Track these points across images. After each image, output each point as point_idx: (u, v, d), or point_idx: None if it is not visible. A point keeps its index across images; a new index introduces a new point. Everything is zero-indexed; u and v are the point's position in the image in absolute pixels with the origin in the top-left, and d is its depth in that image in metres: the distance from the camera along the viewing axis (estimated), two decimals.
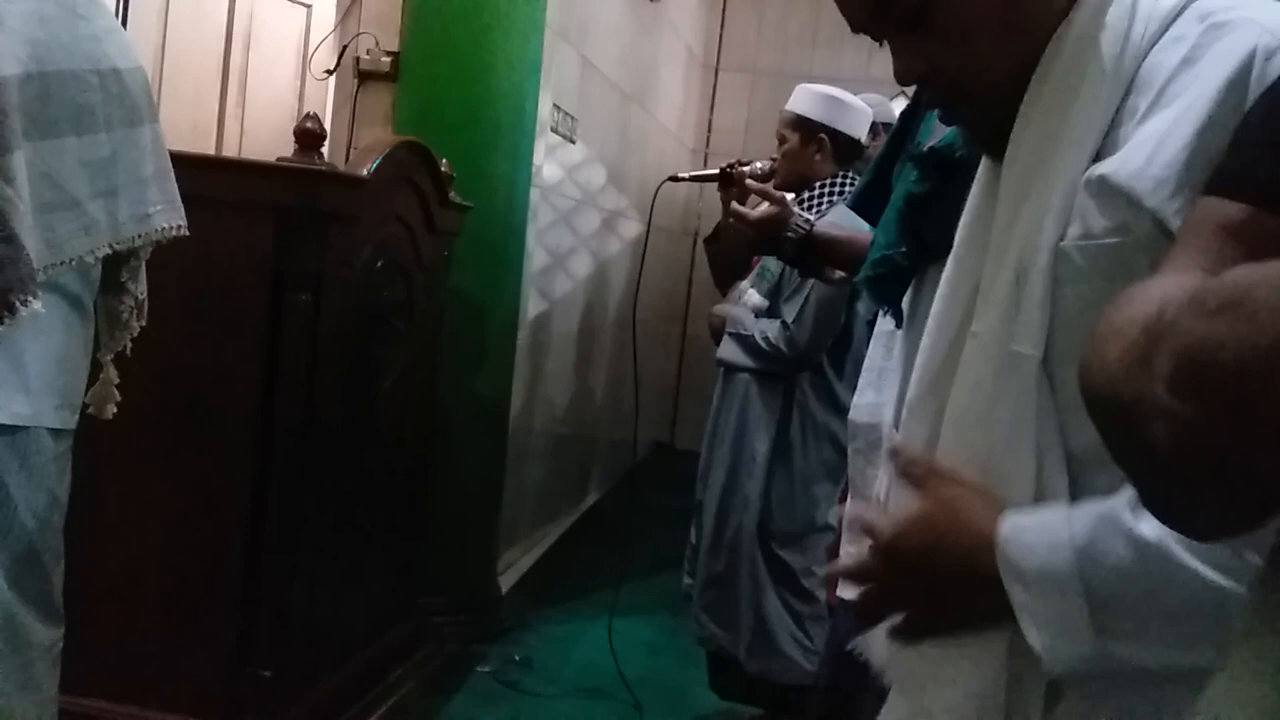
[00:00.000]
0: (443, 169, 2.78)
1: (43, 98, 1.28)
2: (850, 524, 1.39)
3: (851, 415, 1.83)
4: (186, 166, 1.56)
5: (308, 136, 2.26)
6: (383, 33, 3.43)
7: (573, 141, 4.22)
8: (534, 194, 3.62)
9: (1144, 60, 0.84)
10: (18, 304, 1.22)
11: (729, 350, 2.96)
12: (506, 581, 3.76)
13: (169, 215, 1.49)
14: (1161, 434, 0.52)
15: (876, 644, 0.96)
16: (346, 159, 3.21)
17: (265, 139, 3.44)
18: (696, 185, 3.69)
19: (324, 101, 3.57)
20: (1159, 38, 0.84)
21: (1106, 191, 0.81)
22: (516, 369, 3.68)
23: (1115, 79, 0.84)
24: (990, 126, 0.92)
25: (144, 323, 1.55)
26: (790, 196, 2.18)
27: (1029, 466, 0.84)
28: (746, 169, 2.49)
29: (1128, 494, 0.75)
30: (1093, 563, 0.76)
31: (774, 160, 2.73)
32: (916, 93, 1.35)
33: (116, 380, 1.58)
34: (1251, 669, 0.57)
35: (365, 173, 2.37)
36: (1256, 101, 0.74)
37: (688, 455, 4.17)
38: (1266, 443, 0.48)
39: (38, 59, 1.27)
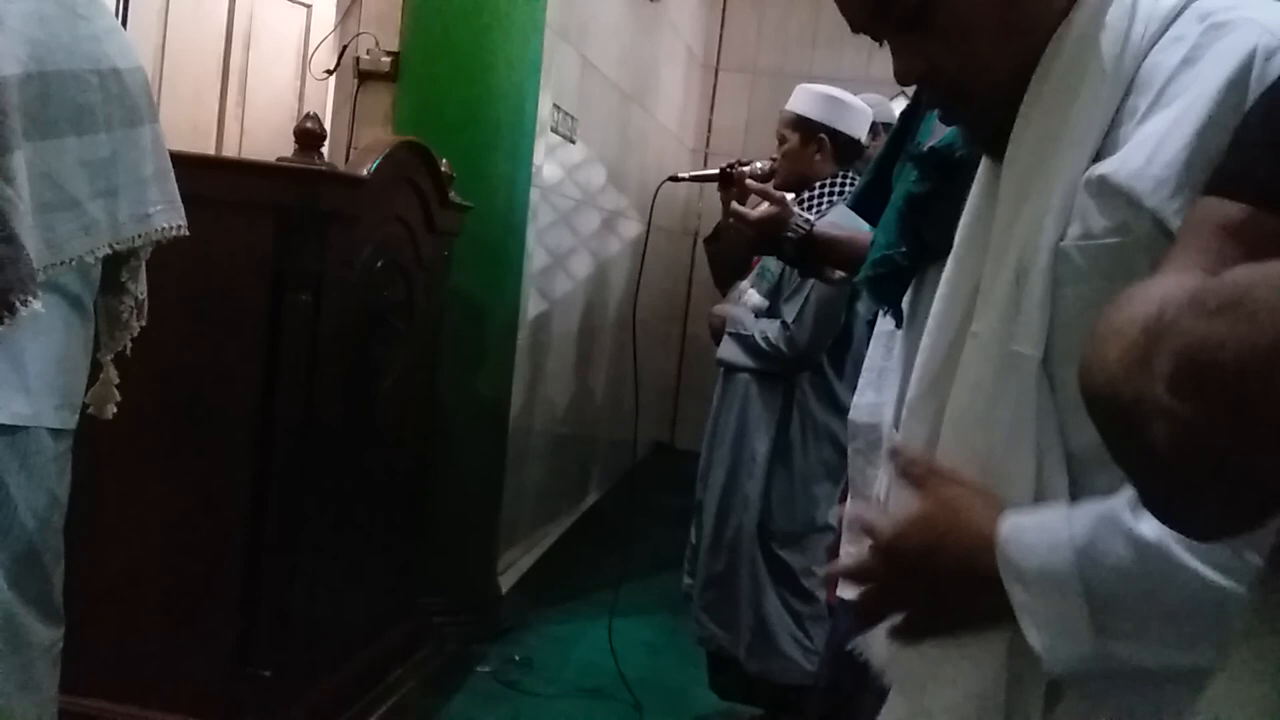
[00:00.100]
0: (443, 169, 2.78)
1: (43, 98, 1.28)
2: (850, 524, 1.39)
3: (851, 415, 1.83)
4: (186, 166, 1.56)
5: (308, 136, 2.26)
6: (383, 33, 3.43)
7: (573, 141, 4.22)
8: (534, 194, 3.62)
9: (1144, 60, 0.84)
10: (18, 304, 1.22)
11: (729, 350, 2.97)
12: (506, 581, 3.76)
13: (169, 215, 1.49)
14: (1161, 434, 0.52)
15: (876, 644, 0.96)
16: (346, 159, 3.21)
17: (265, 139, 3.44)
18: (696, 185, 3.69)
19: (324, 101, 3.57)
20: (1159, 38, 0.84)
21: (1106, 191, 0.81)
22: (516, 369, 3.68)
23: (1115, 79, 0.84)
24: (990, 126, 0.92)
25: (144, 323, 1.55)
26: (790, 196, 2.18)
27: (1029, 466, 0.84)
28: (746, 169, 2.49)
29: (1128, 494, 0.75)
30: (1093, 563, 0.76)
31: (774, 160, 2.73)
32: (916, 93, 1.35)
33: (116, 380, 1.58)
34: (1251, 669, 0.57)
35: (365, 173, 2.37)
36: (1256, 101, 0.74)
37: (688, 455, 4.17)
38: (1266, 443, 0.48)
39: (38, 59, 1.27)
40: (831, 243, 2.00)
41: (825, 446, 2.85)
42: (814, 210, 2.71)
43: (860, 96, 2.97)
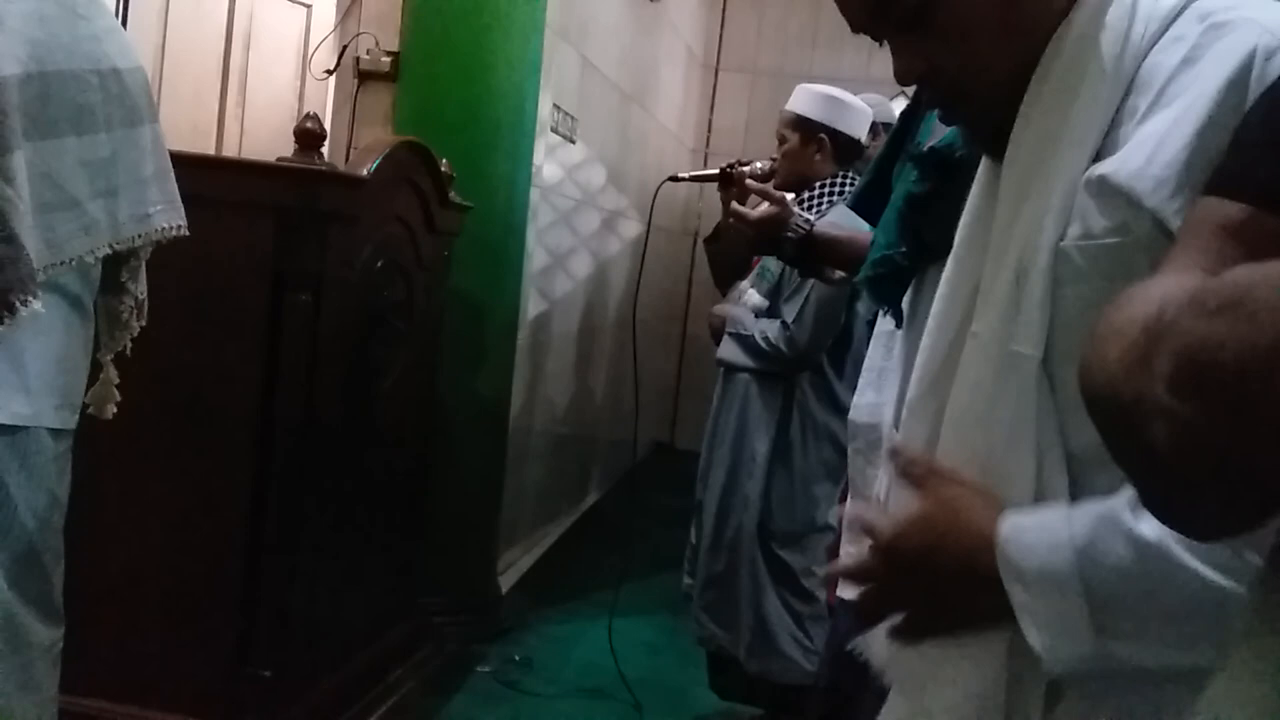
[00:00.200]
0: (443, 169, 2.78)
1: (43, 98, 1.28)
2: (850, 524, 1.39)
3: (851, 415, 1.83)
4: (186, 166, 1.56)
5: (308, 136, 2.26)
6: (383, 33, 3.43)
7: (573, 141, 4.22)
8: (534, 194, 3.62)
9: (1144, 60, 0.84)
10: (18, 304, 1.22)
11: (729, 350, 2.97)
12: (506, 581, 3.76)
13: (169, 215, 1.49)
14: (1161, 434, 0.52)
15: (876, 644, 0.96)
16: (346, 159, 3.21)
17: (265, 139, 3.44)
18: (696, 185, 3.69)
19: (324, 101, 3.57)
20: (1159, 38, 0.84)
21: (1106, 191, 0.81)
22: (516, 369, 3.68)
23: (1115, 79, 0.84)
24: (990, 126, 0.92)
25: (144, 323, 1.55)
26: (790, 196, 2.18)
27: (1029, 466, 0.84)
28: (746, 169, 2.49)
29: (1128, 494, 0.75)
30: (1093, 563, 0.76)
31: (774, 160, 2.73)
32: (916, 93, 1.35)
33: (116, 380, 1.58)
34: (1251, 669, 0.57)
35: (365, 173, 2.37)
36: (1256, 101, 0.74)
37: (688, 455, 4.17)
38: (1266, 443, 0.48)
39: (38, 59, 1.27)
40: (831, 243, 2.00)
41: (825, 446, 2.85)
42: (814, 210, 2.71)
43: (860, 96, 2.97)
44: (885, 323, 1.73)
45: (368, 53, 3.43)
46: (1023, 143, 0.88)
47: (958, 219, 0.98)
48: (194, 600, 2.25)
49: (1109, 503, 0.77)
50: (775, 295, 2.88)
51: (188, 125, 3.35)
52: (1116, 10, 0.85)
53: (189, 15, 3.36)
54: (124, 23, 2.86)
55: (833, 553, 2.56)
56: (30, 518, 1.35)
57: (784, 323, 2.81)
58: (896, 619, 0.87)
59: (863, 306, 2.55)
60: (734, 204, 2.13)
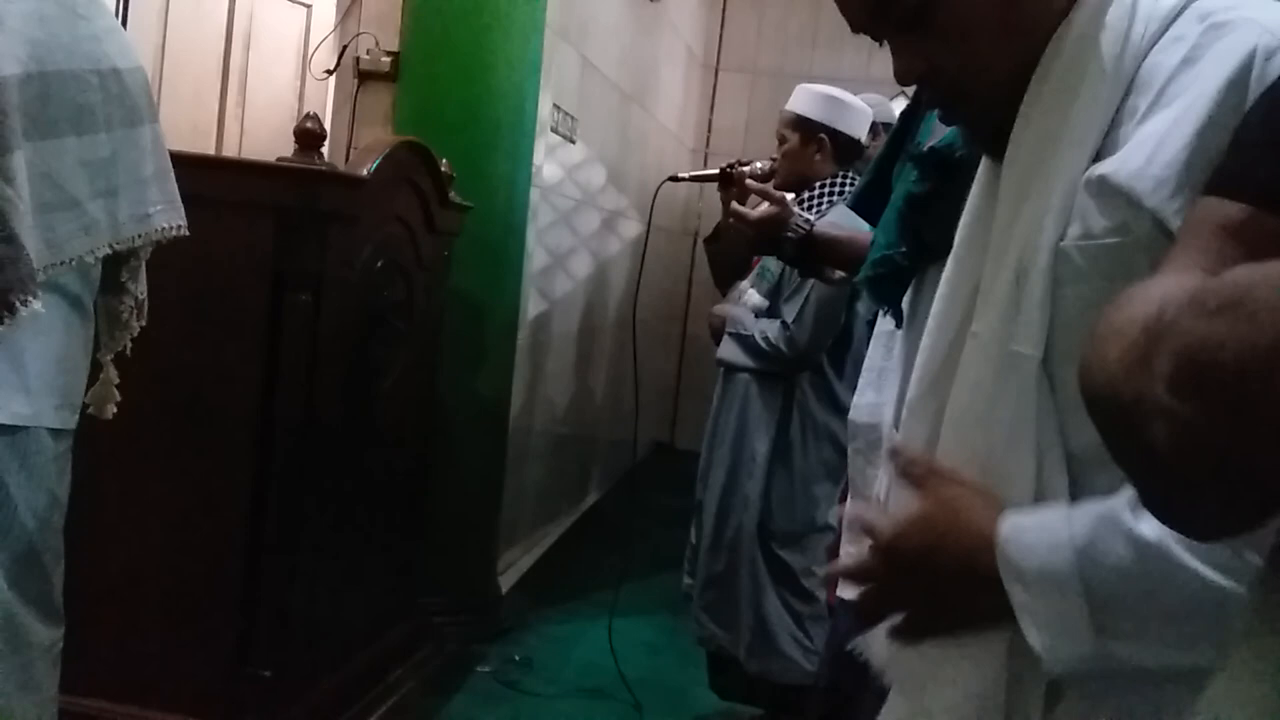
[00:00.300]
0: (443, 169, 2.78)
1: (43, 98, 1.28)
2: (850, 524, 1.39)
3: (851, 415, 1.83)
4: (186, 166, 1.56)
5: (308, 136, 2.26)
6: (383, 33, 3.43)
7: (573, 141, 4.22)
8: (534, 194, 3.62)
9: (1144, 60, 0.84)
10: (18, 304, 1.22)
11: (729, 350, 2.97)
12: (506, 581, 3.76)
13: (169, 215, 1.49)
14: (1161, 434, 0.52)
15: (876, 644, 0.96)
16: (346, 159, 3.21)
17: (265, 139, 3.44)
18: (696, 185, 3.69)
19: (324, 101, 3.57)
20: (1159, 38, 0.84)
21: (1106, 191, 0.81)
22: (516, 369, 3.68)
23: (1115, 79, 0.84)
24: (990, 126, 0.92)
25: (144, 323, 1.55)
26: (790, 196, 2.18)
27: (1029, 466, 0.84)
28: (746, 169, 2.49)
29: (1128, 494, 0.75)
30: (1093, 563, 0.76)
31: (774, 160, 2.73)
32: (916, 93, 1.35)
33: (116, 380, 1.57)
34: (1251, 669, 0.57)
35: (365, 173, 2.37)
36: (1256, 101, 0.74)
37: (688, 455, 4.17)
38: (1266, 443, 0.48)
39: (38, 59, 1.27)
40: (831, 243, 2.00)
41: (825, 446, 2.85)
42: (814, 210, 2.71)
43: (860, 96, 2.97)
44: (885, 323, 1.73)
45: (368, 53, 3.43)
46: (1023, 143, 0.88)
47: (958, 219, 0.98)
48: (194, 600, 2.25)
49: (1109, 503, 0.77)
50: (775, 295, 2.88)
51: (188, 125, 3.35)
52: (1116, 10, 0.85)
53: (189, 15, 3.36)
54: (124, 23, 2.86)
55: (833, 553, 2.56)
56: (30, 518, 1.35)
57: (784, 323, 2.81)
58: (896, 619, 0.87)
59: (863, 306, 2.55)
60: (734, 204, 2.13)
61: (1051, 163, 0.85)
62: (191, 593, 2.25)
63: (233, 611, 2.25)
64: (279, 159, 2.30)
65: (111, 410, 1.57)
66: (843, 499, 2.30)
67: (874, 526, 0.87)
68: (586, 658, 3.41)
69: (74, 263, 1.34)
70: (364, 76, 3.46)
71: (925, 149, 1.39)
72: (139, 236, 1.44)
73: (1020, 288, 0.85)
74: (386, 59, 3.41)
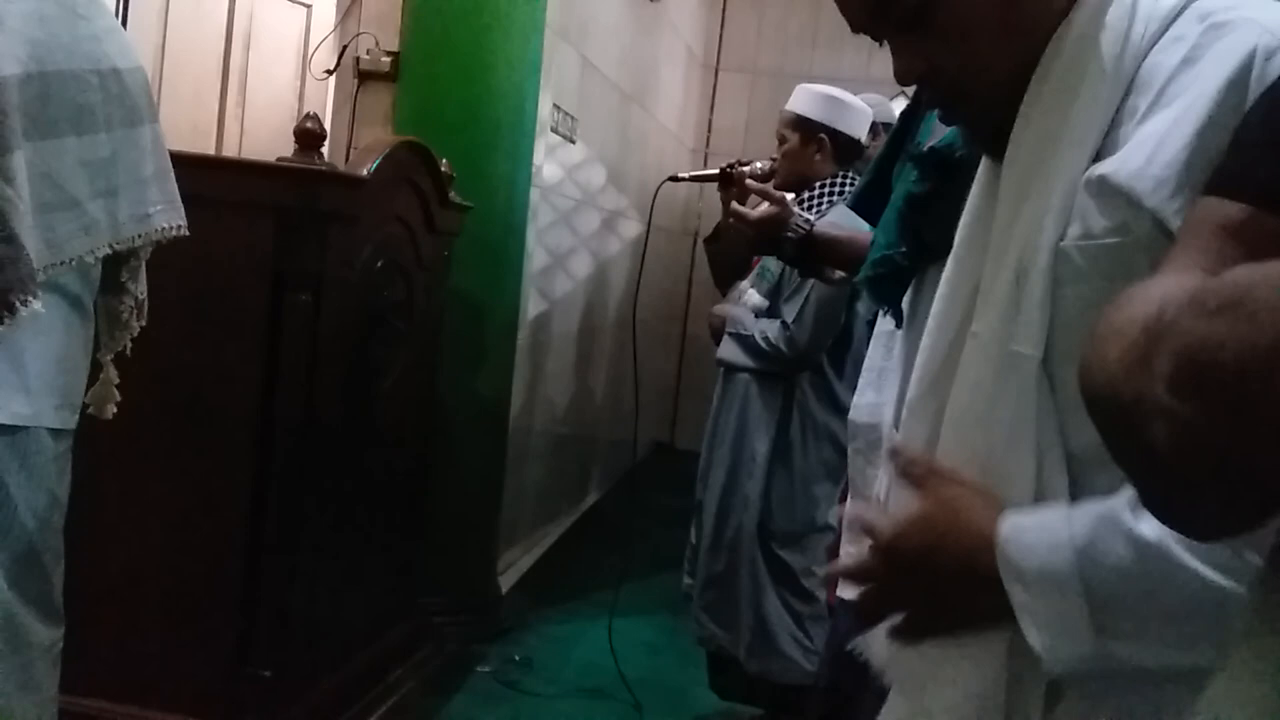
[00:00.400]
0: (443, 169, 2.78)
1: (43, 98, 1.28)
2: (850, 524, 1.39)
3: (851, 415, 1.83)
4: (186, 166, 1.56)
5: (308, 136, 2.26)
6: (383, 33, 3.43)
7: (573, 141, 4.22)
8: (534, 194, 3.62)
9: (1144, 60, 0.84)
10: (18, 304, 1.22)
11: (729, 350, 2.97)
12: (506, 581, 3.76)
13: (169, 215, 1.49)
14: (1161, 434, 0.52)
15: (876, 644, 0.96)
16: (346, 159, 3.21)
17: (265, 139, 3.44)
18: (696, 185, 3.69)
19: (324, 101, 3.57)
20: (1159, 38, 0.84)
21: (1106, 191, 0.81)
22: (516, 369, 3.68)
23: (1115, 79, 0.84)
24: (990, 126, 0.92)
25: (144, 323, 1.55)
26: (790, 196, 2.18)
27: (1029, 466, 0.84)
28: (746, 169, 2.49)
29: (1128, 494, 0.75)
30: (1093, 563, 0.76)
31: (774, 160, 2.73)
32: (916, 93, 1.35)
33: (116, 380, 1.57)
34: (1251, 669, 0.57)
35: (365, 173, 2.37)
36: (1256, 101, 0.74)
37: (688, 455, 4.17)
38: (1266, 443, 0.48)
39: (38, 59, 1.27)
40: (831, 243, 2.00)
41: (825, 446, 2.85)
42: (814, 210, 2.71)
43: (860, 96, 2.97)
44: (885, 323, 1.73)
45: (368, 53, 3.43)
46: (1023, 143, 0.88)
47: (958, 219, 0.98)
48: (194, 600, 2.25)
49: (1109, 503, 0.77)
50: (775, 295, 2.88)
51: (188, 125, 3.35)
52: (1116, 10, 0.85)
53: (189, 15, 3.36)
54: (124, 23, 2.86)
55: (833, 553, 2.56)
56: (30, 518, 1.35)
57: (784, 323, 2.81)
58: (896, 619, 0.87)
59: (863, 306, 2.55)
60: (734, 204, 2.13)
61: (1051, 163, 0.85)
62: (191, 593, 2.25)
63: (233, 611, 2.25)
64: (279, 159, 2.30)
65: (111, 410, 1.57)
66: (843, 499, 2.30)
67: (874, 526, 0.87)
68: (586, 658, 3.41)
69: (74, 263, 1.34)
70: (364, 76, 3.46)
71: (925, 149, 1.39)
72: (139, 236, 1.44)
73: (1020, 288, 0.85)
74: (386, 59, 3.41)
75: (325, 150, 2.33)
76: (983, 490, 0.85)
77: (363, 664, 2.66)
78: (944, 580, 0.84)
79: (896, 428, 1.07)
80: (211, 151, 3.39)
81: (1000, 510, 0.82)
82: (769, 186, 2.13)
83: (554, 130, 3.91)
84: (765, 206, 2.02)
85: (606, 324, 5.10)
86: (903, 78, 0.93)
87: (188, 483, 2.25)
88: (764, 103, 6.25)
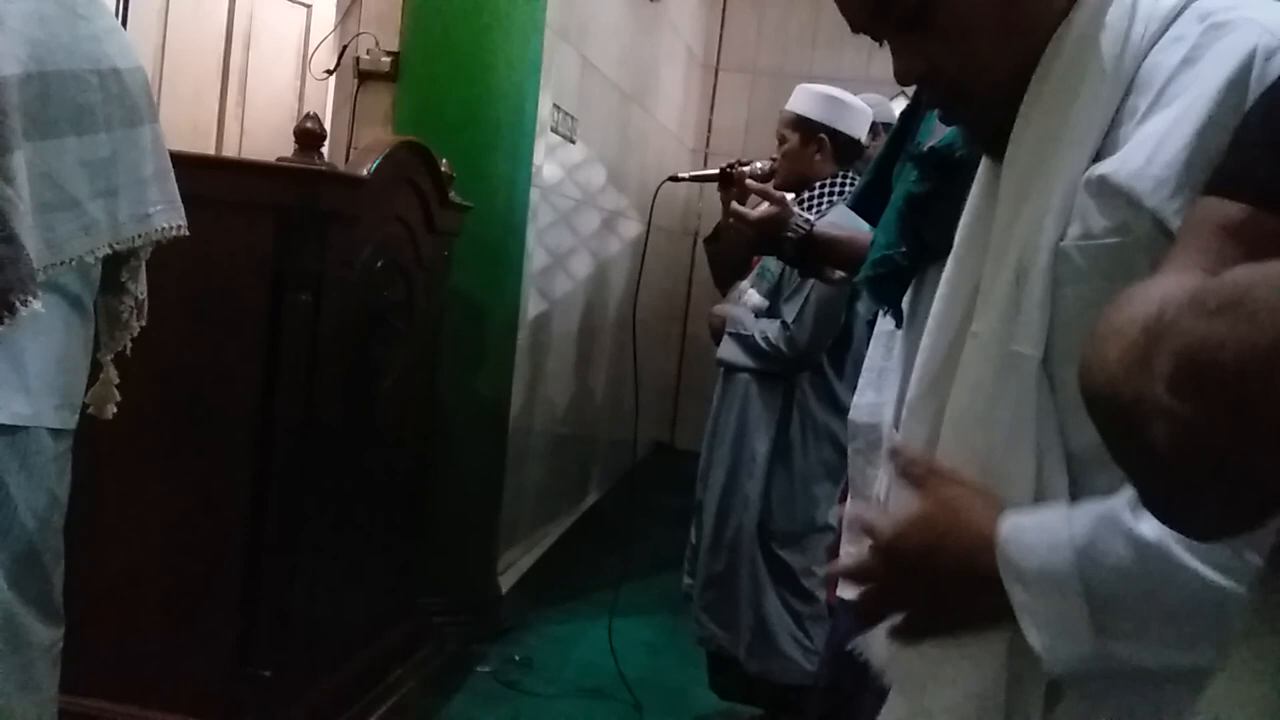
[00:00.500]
0: (443, 169, 2.78)
1: (43, 98, 1.28)
2: (850, 524, 1.39)
3: (851, 415, 1.83)
4: (186, 166, 1.56)
5: (308, 136, 2.26)
6: (383, 33, 3.43)
7: (573, 141, 4.22)
8: (534, 194, 3.62)
9: (1144, 60, 0.84)
10: (18, 304, 1.22)
11: (729, 350, 2.97)
12: (506, 581, 3.76)
13: (169, 215, 1.49)
14: (1161, 434, 0.52)
15: (876, 644, 0.95)
16: (346, 159, 3.21)
17: (265, 139, 3.44)
18: (696, 185, 3.69)
19: (324, 101, 3.57)
20: (1159, 38, 0.84)
21: (1106, 191, 0.81)
22: (516, 369, 3.68)
23: (1115, 79, 0.84)
24: (990, 126, 0.92)
25: (144, 323, 1.55)
26: (790, 196, 2.18)
27: (1029, 466, 0.84)
28: (746, 169, 2.49)
29: (1128, 494, 0.75)
30: (1093, 563, 0.76)
31: (774, 160, 2.73)
32: (916, 93, 1.35)
33: (116, 380, 1.57)
34: (1251, 669, 0.57)
35: (365, 173, 2.37)
36: (1256, 101, 0.74)
37: (688, 455, 4.17)
38: (1266, 443, 0.48)
39: (38, 59, 1.27)
40: (831, 243, 2.00)
41: (825, 446, 2.85)
42: (814, 210, 2.71)
43: (860, 96, 2.97)
44: (885, 323, 1.73)
45: (368, 53, 3.43)
46: (1023, 143, 0.88)
47: (958, 219, 0.98)
48: (194, 600, 2.25)
49: (1109, 503, 0.77)
50: (775, 295, 2.88)
51: (188, 125, 3.35)
52: (1116, 10, 0.85)
53: (189, 15, 3.36)
54: (124, 23, 2.86)
55: (833, 553, 2.56)
56: (30, 518, 1.35)
57: (784, 323, 2.81)
58: (896, 619, 0.87)
59: (863, 306, 2.55)
60: (734, 204, 2.13)
61: (1051, 163, 0.85)
62: (191, 593, 2.25)
63: (233, 611, 2.25)
64: (279, 159, 2.30)
65: (111, 410, 1.57)
66: (843, 499, 2.30)
67: (874, 526, 0.87)
68: (586, 658, 3.41)
69: (74, 263, 1.34)
70: (364, 76, 3.46)
71: (925, 149, 1.39)
72: (139, 236, 1.44)
73: (1020, 288, 0.85)
74: (386, 59, 3.41)
75: (325, 150, 2.33)
76: (983, 490, 0.85)
77: (363, 664, 2.66)
78: (944, 580, 0.84)
79: (896, 428, 1.07)
80: (211, 151, 3.39)
81: (1000, 510, 0.82)
82: (769, 186, 2.13)
83: (554, 130, 3.91)
84: (765, 206, 2.02)
85: (606, 324, 5.10)
86: (903, 78, 0.93)
87: (188, 483, 2.25)
88: (764, 103, 6.25)
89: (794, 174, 2.81)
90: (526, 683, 3.22)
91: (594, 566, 4.09)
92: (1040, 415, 0.84)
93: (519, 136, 3.44)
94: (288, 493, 2.27)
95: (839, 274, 2.13)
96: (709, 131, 6.80)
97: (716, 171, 2.50)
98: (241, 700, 2.22)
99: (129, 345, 1.55)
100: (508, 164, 3.41)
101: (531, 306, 3.84)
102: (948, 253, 0.99)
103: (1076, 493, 0.83)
